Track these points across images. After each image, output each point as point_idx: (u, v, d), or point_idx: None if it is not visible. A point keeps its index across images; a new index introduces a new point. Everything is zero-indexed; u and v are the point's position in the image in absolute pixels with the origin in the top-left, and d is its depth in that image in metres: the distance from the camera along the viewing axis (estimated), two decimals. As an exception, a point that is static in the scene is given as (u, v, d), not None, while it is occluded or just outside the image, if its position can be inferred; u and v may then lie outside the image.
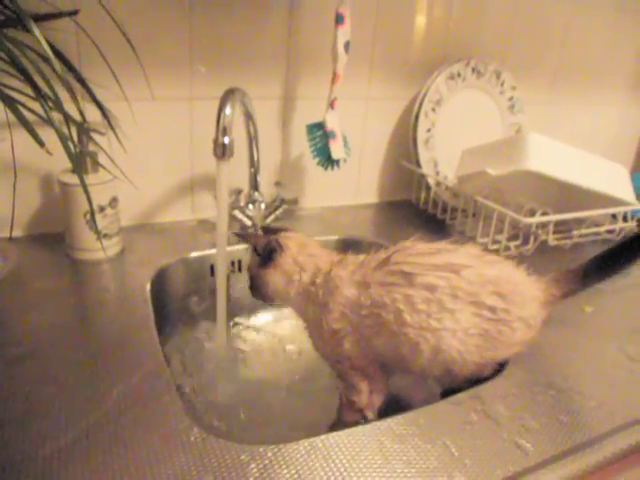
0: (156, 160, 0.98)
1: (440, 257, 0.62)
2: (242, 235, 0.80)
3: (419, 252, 0.63)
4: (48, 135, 0.58)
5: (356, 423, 0.59)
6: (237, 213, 0.98)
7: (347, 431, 0.55)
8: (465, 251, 0.63)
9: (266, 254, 0.68)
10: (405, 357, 0.61)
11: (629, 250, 0.62)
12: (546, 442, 0.56)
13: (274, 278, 0.68)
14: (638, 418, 0.60)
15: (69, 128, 0.65)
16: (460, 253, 0.63)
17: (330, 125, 0.98)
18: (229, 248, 0.86)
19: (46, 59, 0.60)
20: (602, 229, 1.10)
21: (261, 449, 0.52)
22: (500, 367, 0.67)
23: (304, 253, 0.68)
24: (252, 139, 0.91)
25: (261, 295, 0.71)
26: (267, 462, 0.50)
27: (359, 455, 0.52)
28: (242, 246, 0.94)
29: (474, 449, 0.54)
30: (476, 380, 0.64)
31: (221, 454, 0.51)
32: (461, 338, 0.59)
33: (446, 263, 0.60)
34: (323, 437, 0.54)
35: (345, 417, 0.67)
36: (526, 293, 0.62)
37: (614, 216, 1.11)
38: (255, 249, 0.70)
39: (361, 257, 0.67)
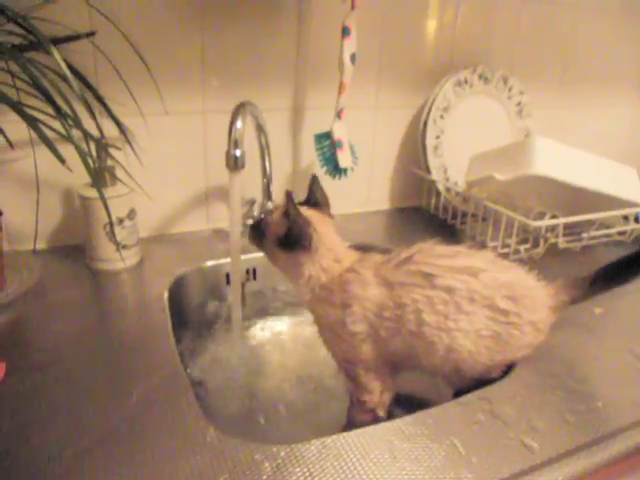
0: (172, 172, 1.01)
1: (459, 260, 0.63)
2: (290, 196, 0.65)
3: (439, 254, 0.64)
4: (68, 151, 0.61)
5: (368, 422, 0.60)
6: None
7: (357, 431, 0.57)
8: (481, 255, 0.65)
9: (293, 241, 0.66)
10: (419, 355, 0.63)
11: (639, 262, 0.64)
12: (552, 441, 0.57)
13: (285, 264, 0.68)
14: (644, 417, 0.61)
15: (88, 144, 0.68)
16: (477, 257, 0.64)
17: (337, 135, 1.00)
18: (243, 257, 0.88)
19: (66, 79, 0.64)
20: (613, 231, 1.10)
21: (274, 449, 0.53)
22: (508, 368, 0.68)
23: (328, 256, 0.67)
24: (264, 150, 0.94)
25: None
26: (280, 461, 0.52)
27: (369, 454, 0.54)
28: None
29: (481, 448, 0.55)
30: (485, 381, 0.66)
31: (236, 454, 0.53)
32: (473, 339, 0.61)
33: (464, 266, 0.62)
34: (334, 437, 0.55)
35: (356, 417, 0.68)
36: (537, 298, 0.64)
37: (625, 218, 1.12)
38: (289, 227, 0.66)
39: (378, 257, 0.67)
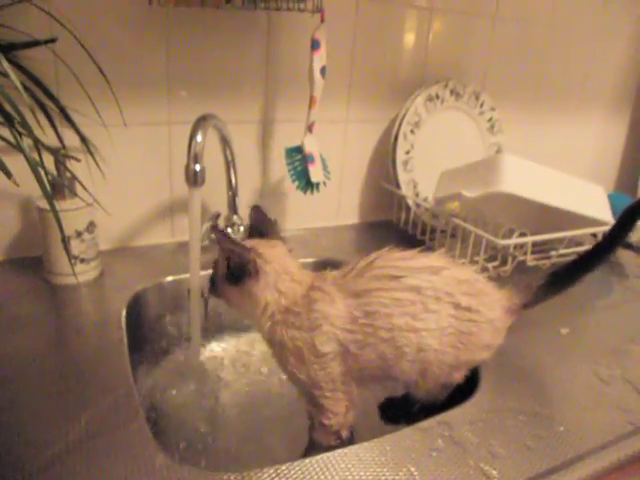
0: (136, 184, 0.99)
1: (419, 261, 0.64)
2: (220, 231, 0.66)
3: (398, 257, 0.65)
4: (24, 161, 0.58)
5: (331, 444, 0.59)
6: (216, 236, 0.98)
7: (313, 458, 0.55)
8: (436, 256, 0.66)
9: (237, 273, 0.64)
10: (388, 362, 0.62)
11: (581, 266, 0.68)
12: (512, 469, 0.56)
13: (240, 300, 0.65)
14: (605, 443, 0.60)
15: (40, 154, 0.65)
16: (434, 257, 0.66)
17: (308, 149, 0.98)
18: (204, 272, 0.86)
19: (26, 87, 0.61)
20: (581, 249, 1.10)
21: (225, 476, 0.52)
22: (470, 392, 0.67)
23: (284, 278, 0.64)
24: (229, 163, 0.92)
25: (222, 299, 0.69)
26: (230, 491, 0.50)
27: (323, 483, 0.52)
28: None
29: (439, 476, 0.54)
30: (448, 401, 0.65)
31: (184, 482, 0.51)
32: (439, 338, 0.61)
33: (425, 266, 0.63)
34: (289, 464, 0.54)
35: (320, 440, 0.66)
36: (493, 296, 0.66)
37: (594, 235, 1.12)
38: (228, 259, 0.64)
39: (335, 272, 0.66)
